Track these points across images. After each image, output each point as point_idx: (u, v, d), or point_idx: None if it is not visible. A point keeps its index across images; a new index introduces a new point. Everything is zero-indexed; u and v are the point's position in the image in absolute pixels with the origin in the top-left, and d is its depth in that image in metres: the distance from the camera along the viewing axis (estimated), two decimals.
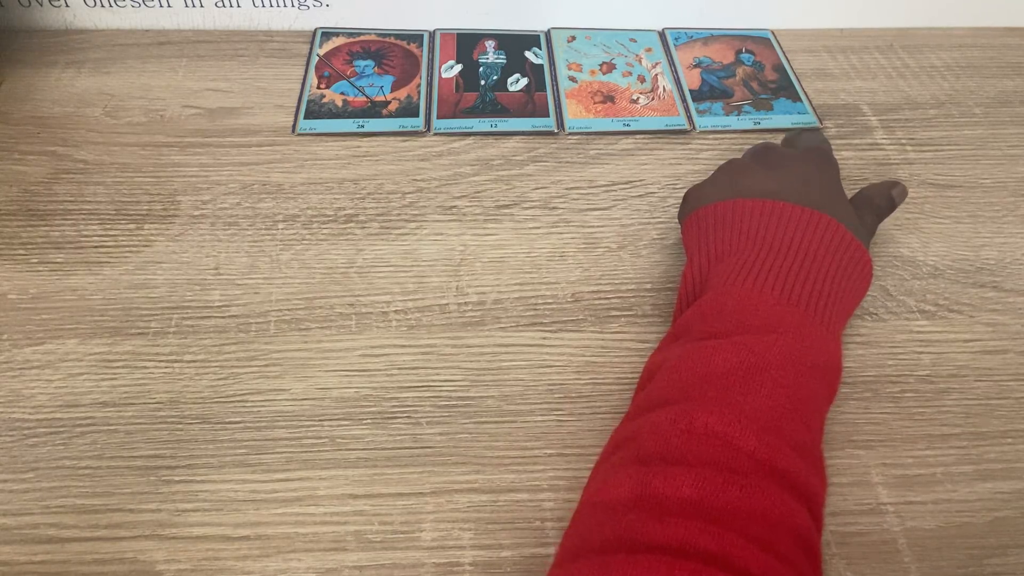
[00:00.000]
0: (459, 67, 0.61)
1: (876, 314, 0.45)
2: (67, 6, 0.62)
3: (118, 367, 0.41)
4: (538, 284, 0.46)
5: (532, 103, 0.58)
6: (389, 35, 0.64)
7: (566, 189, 0.52)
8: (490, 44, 0.63)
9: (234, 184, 0.51)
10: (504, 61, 0.62)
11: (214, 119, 0.56)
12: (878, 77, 0.62)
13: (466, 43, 0.63)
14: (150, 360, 0.41)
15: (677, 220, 0.48)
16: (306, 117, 0.56)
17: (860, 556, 0.35)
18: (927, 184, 0.53)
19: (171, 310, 0.44)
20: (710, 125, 0.57)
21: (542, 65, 0.62)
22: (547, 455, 0.38)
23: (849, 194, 0.45)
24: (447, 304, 0.45)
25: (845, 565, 0.35)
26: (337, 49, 0.62)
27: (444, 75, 0.60)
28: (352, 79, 0.59)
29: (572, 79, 0.61)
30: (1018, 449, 0.39)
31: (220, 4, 0.63)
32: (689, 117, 0.58)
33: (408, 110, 0.57)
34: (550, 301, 0.45)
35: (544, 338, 0.43)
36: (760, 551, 0.27)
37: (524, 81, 0.60)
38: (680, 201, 0.46)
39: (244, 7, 0.63)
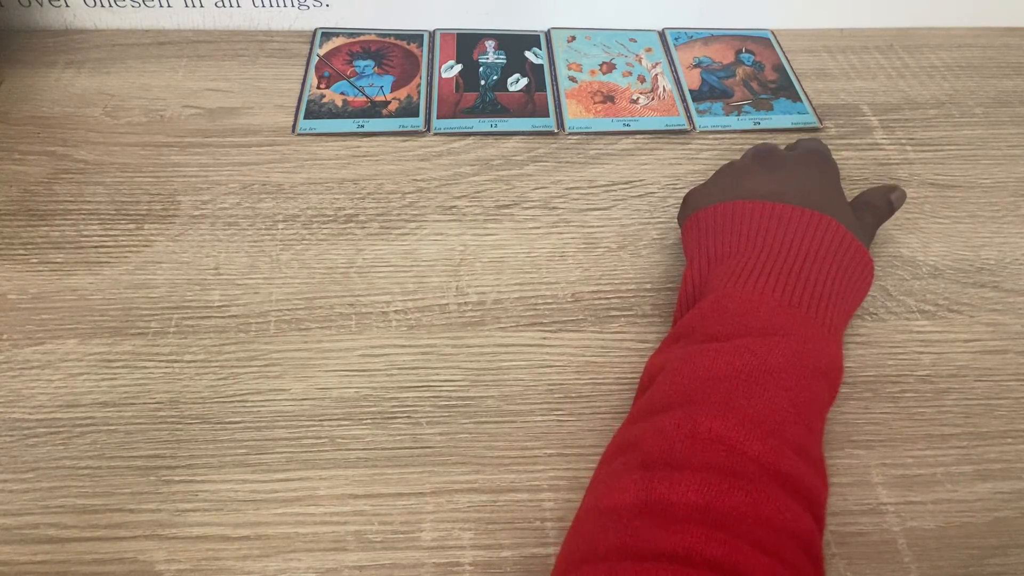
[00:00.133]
0: (459, 67, 0.61)
1: (876, 314, 0.45)
2: (67, 6, 0.62)
3: (118, 367, 0.41)
4: (538, 284, 0.46)
5: (532, 103, 0.58)
6: (389, 35, 0.64)
7: (566, 189, 0.52)
8: (490, 44, 0.63)
9: (234, 184, 0.51)
10: (504, 61, 0.62)
11: (214, 119, 0.56)
12: (878, 77, 0.62)
13: (466, 43, 0.63)
14: (150, 360, 0.41)
15: (677, 222, 0.48)
16: (306, 117, 0.56)
17: (860, 556, 0.35)
18: (927, 184, 0.53)
19: (171, 310, 0.44)
20: (710, 125, 0.57)
21: (542, 65, 0.62)
22: (547, 455, 0.38)
23: (849, 195, 0.45)
24: (447, 304, 0.45)
25: (845, 565, 0.35)
26: (337, 49, 0.62)
27: (444, 75, 0.60)
28: (352, 79, 0.59)
29: (572, 79, 0.61)
30: (1018, 449, 0.39)
31: (220, 4, 0.63)
32: (689, 117, 0.58)
33: (408, 110, 0.57)
34: (550, 301, 0.45)
35: (544, 338, 0.43)
36: (765, 556, 0.27)
37: (524, 81, 0.60)
38: (680, 201, 0.46)
39: (244, 7, 0.63)
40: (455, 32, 0.64)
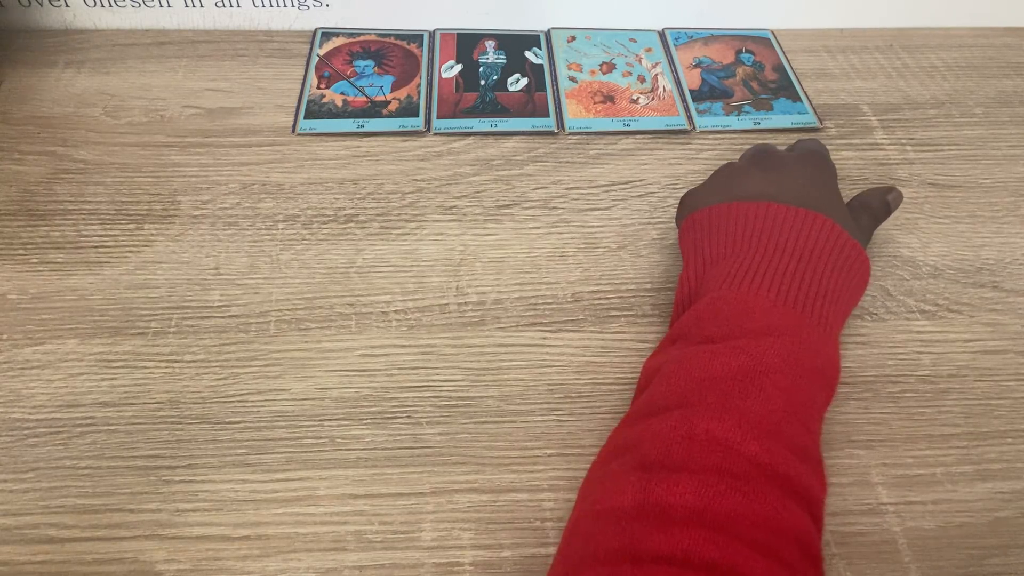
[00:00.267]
0: (459, 67, 0.61)
1: (876, 314, 0.45)
2: (67, 6, 0.62)
3: (118, 367, 0.41)
4: (538, 284, 0.46)
5: (532, 103, 0.58)
6: (389, 35, 0.64)
7: (566, 189, 0.52)
8: (490, 44, 0.63)
9: (234, 184, 0.51)
10: (504, 61, 0.62)
11: (214, 119, 0.56)
12: (878, 77, 0.62)
13: (466, 43, 0.63)
14: (150, 360, 0.41)
15: (675, 223, 0.48)
16: (306, 117, 0.56)
17: (860, 556, 0.35)
18: (927, 184, 0.53)
19: (171, 310, 0.44)
20: (710, 125, 0.57)
21: (542, 65, 0.62)
22: (547, 455, 0.38)
23: (850, 195, 0.45)
24: (447, 304, 0.45)
25: (845, 565, 0.35)
26: (337, 49, 0.62)
27: (444, 75, 0.60)
28: (352, 79, 0.59)
29: (572, 79, 0.61)
30: (1018, 449, 0.39)
31: (220, 4, 0.63)
32: (689, 117, 0.58)
33: (408, 110, 0.57)
34: (550, 301, 0.45)
35: (544, 338, 0.43)
36: (763, 558, 0.27)
37: (524, 81, 0.60)
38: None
39: (244, 7, 0.63)
40: (455, 32, 0.64)
